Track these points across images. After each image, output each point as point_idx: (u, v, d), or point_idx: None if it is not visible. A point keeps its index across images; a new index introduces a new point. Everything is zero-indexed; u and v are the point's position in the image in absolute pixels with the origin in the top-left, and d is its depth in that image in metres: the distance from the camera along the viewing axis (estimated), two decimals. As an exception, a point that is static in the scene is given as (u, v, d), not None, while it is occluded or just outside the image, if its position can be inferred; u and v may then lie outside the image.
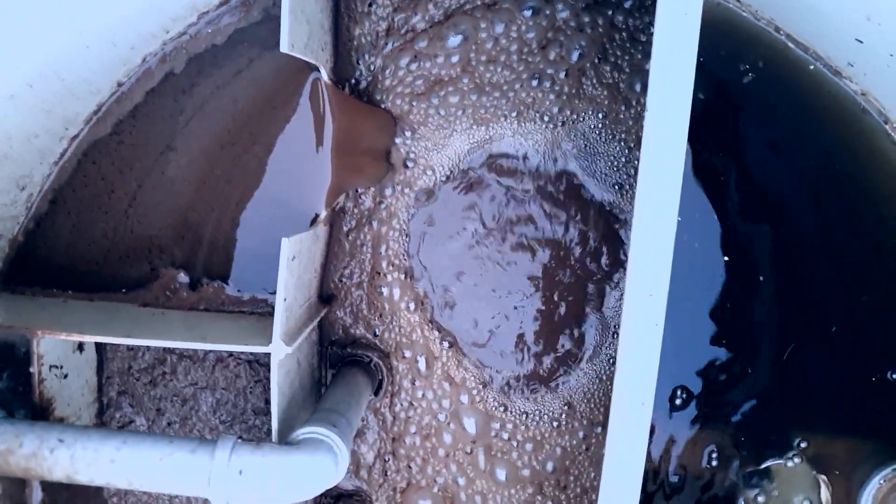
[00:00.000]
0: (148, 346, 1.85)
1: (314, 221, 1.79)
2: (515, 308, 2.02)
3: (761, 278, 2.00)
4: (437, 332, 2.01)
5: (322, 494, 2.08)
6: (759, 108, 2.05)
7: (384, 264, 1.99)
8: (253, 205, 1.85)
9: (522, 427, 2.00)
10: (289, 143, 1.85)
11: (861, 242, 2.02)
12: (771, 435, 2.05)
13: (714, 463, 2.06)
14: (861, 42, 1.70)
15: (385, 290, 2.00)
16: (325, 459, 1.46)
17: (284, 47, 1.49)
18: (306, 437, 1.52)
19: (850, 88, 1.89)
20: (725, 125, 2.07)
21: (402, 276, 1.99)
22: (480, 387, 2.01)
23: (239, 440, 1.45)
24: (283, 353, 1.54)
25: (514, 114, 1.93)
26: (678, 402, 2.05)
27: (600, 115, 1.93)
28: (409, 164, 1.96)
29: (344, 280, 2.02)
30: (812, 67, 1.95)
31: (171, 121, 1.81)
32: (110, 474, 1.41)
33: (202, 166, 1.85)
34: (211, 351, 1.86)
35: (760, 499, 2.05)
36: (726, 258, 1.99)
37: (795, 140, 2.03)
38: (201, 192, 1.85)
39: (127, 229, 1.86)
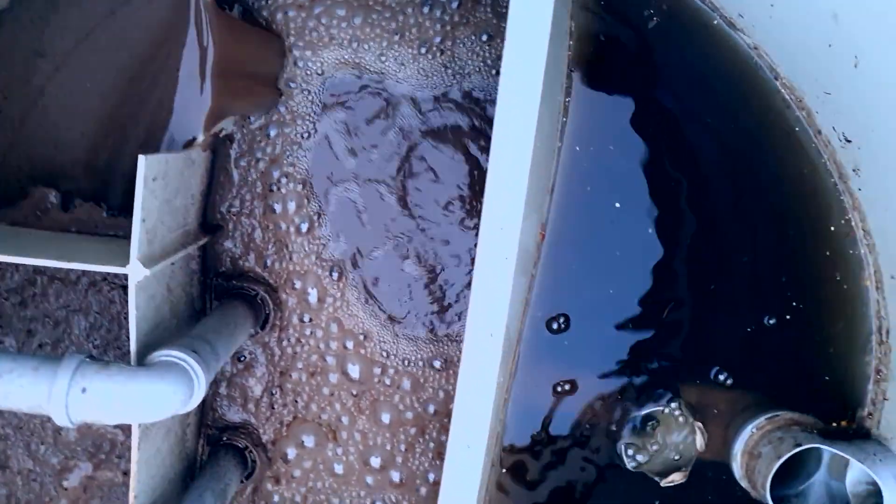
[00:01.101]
0: (17, 266, 1.80)
1: (190, 144, 1.74)
2: (398, 244, 2.01)
3: (650, 230, 2.02)
4: (325, 262, 1.99)
5: (207, 425, 2.09)
6: (664, 56, 2.03)
7: (274, 191, 1.95)
8: (128, 126, 1.78)
9: (405, 372, 2.01)
10: (168, 63, 1.78)
11: (754, 202, 2.04)
12: (653, 385, 2.09)
13: (598, 409, 2.10)
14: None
15: (276, 220, 1.97)
16: (176, 383, 1.45)
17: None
18: (161, 360, 1.50)
19: (744, 42, 1.88)
20: (632, 70, 2.05)
21: (293, 203, 1.96)
22: (365, 332, 2.01)
23: (87, 359, 1.42)
24: (142, 274, 1.51)
25: (397, 37, 1.89)
26: (564, 345, 2.08)
27: (484, 38, 1.91)
28: (296, 88, 1.91)
29: (232, 210, 1.98)
30: (715, 22, 1.94)
31: (41, 29, 1.73)
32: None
33: (77, 83, 1.78)
34: (84, 274, 1.82)
35: (641, 440, 2.10)
36: (617, 204, 1.99)
37: (697, 92, 2.02)
38: (75, 111, 1.78)
39: (-1, 147, 1.80)
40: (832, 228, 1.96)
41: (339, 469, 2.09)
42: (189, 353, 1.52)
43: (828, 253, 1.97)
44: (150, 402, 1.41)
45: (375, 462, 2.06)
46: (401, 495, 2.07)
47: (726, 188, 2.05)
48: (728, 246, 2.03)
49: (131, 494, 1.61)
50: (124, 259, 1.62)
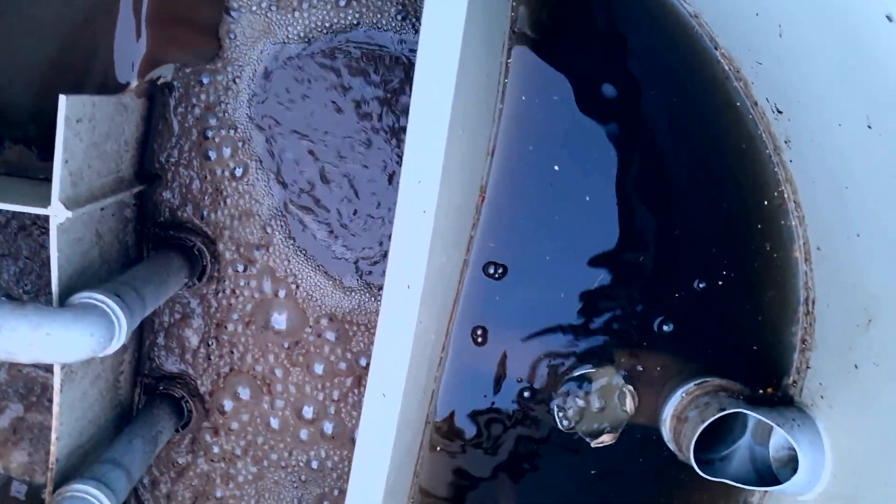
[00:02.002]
0: (-56, 208, 1.79)
1: (122, 89, 1.73)
2: (331, 192, 2.01)
3: (587, 198, 2.03)
4: (259, 209, 1.99)
5: (143, 374, 2.10)
6: (609, 24, 2.03)
7: (209, 138, 1.94)
8: (61, 70, 1.76)
9: (338, 323, 2.03)
10: (103, 8, 1.76)
11: (694, 173, 2.07)
12: (587, 348, 2.13)
13: (533, 371, 2.14)
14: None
15: (212, 167, 1.96)
16: (94, 325, 1.46)
17: None
18: (81, 302, 1.51)
19: (685, 10, 1.88)
20: (577, 37, 2.05)
21: (227, 149, 1.96)
22: (298, 282, 2.02)
23: (3, 298, 1.43)
24: (63, 216, 1.51)
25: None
26: (499, 303, 2.11)
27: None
28: (233, 37, 1.90)
29: (171, 160, 1.97)
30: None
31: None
32: None
33: (9, 27, 1.75)
34: (13, 217, 1.81)
35: (574, 401, 2.14)
36: (556, 167, 2.00)
37: (643, 61, 2.03)
38: (7, 55, 1.76)
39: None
40: (766, 203, 1.99)
41: (274, 423, 2.12)
42: (111, 297, 1.53)
43: (759, 226, 2.00)
44: (65, 342, 1.42)
45: (308, 413, 2.09)
46: (332, 449, 2.11)
47: (668, 159, 2.06)
48: (665, 215, 2.06)
49: (53, 435, 1.62)
50: (49, 201, 1.61)
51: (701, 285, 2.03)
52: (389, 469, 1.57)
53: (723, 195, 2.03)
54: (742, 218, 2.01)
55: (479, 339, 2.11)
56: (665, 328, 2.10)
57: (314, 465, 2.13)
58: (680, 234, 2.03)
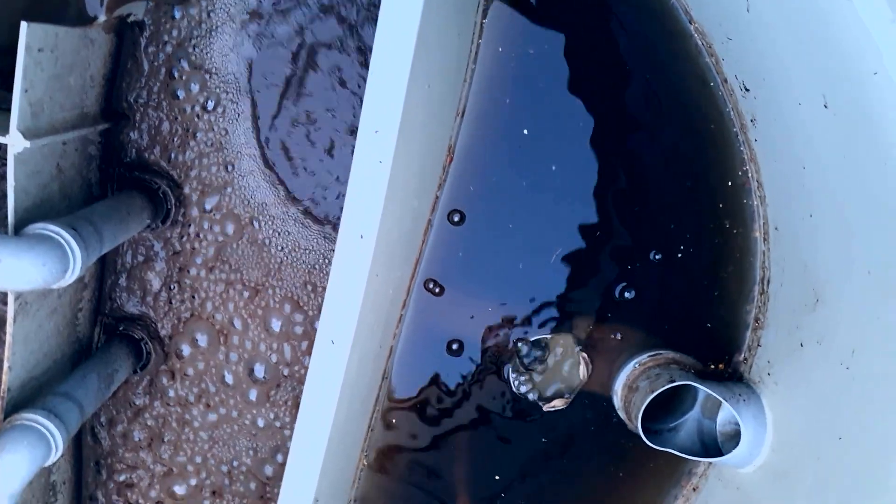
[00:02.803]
0: None
1: (89, 23, 1.72)
2: (297, 129, 2.01)
3: (553, 167, 2.05)
4: (226, 150, 1.99)
5: (104, 314, 2.12)
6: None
7: (176, 77, 1.94)
8: (29, 3, 1.75)
9: (299, 267, 2.06)
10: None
11: (664, 148, 2.09)
12: (543, 315, 2.16)
13: (489, 334, 2.18)
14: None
15: (181, 105, 1.96)
16: (46, 255, 1.47)
17: None
18: (36, 232, 1.52)
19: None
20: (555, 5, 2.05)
21: (195, 86, 1.95)
22: (262, 225, 2.03)
23: (-44, 224, 1.44)
24: (21, 146, 1.51)
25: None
26: (463, 268, 2.13)
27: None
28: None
29: (140, 100, 1.97)
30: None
31: None
32: None
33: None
34: (-26, 147, 1.81)
35: (528, 366, 2.18)
36: (525, 131, 2.02)
37: (619, 32, 2.03)
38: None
39: None
40: (730, 183, 2.02)
41: (228, 378, 2.15)
42: (66, 229, 1.54)
43: (722, 205, 2.03)
44: (16, 270, 1.43)
45: (259, 372, 2.13)
46: (274, 414, 2.15)
47: (639, 133, 2.08)
48: (633, 188, 2.08)
49: (5, 364, 1.64)
50: (6, 131, 1.61)
51: (658, 257, 2.07)
52: (336, 416, 1.61)
53: (689, 172, 2.05)
54: (706, 196, 2.04)
55: (438, 293, 2.13)
56: (627, 294, 2.14)
57: (260, 423, 2.17)
58: (646, 207, 2.06)
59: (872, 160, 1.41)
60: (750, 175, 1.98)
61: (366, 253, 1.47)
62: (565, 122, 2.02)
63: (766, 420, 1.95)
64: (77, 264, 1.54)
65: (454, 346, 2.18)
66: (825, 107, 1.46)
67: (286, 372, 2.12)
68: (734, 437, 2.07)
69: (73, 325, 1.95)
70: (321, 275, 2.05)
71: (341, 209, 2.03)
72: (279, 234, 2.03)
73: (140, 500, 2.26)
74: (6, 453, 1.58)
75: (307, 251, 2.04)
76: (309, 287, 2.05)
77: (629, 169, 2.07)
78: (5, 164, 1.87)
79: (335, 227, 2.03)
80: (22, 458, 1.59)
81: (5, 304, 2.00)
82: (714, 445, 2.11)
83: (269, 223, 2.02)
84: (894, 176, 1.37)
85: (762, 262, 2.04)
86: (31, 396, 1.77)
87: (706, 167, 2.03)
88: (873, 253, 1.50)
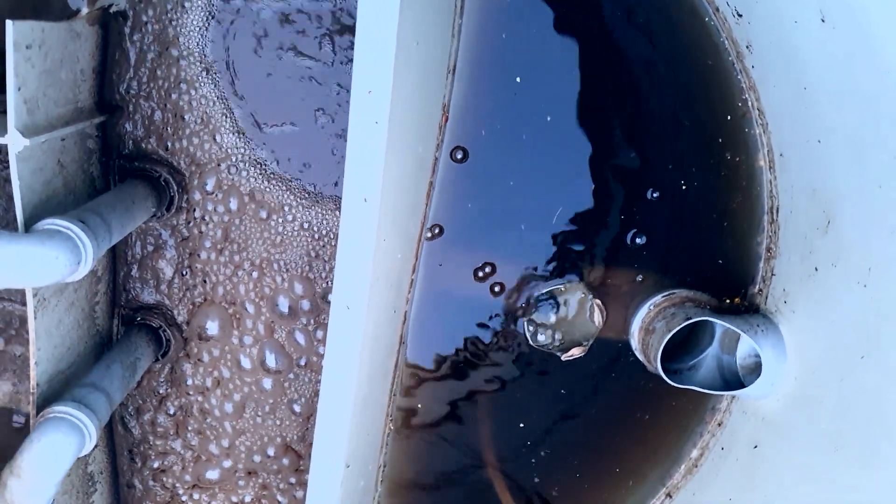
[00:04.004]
0: None
1: (73, 16, 1.73)
2: (297, 105, 2.03)
3: (548, 118, 2.05)
4: (222, 130, 2.02)
5: (120, 306, 2.17)
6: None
7: (164, 62, 1.95)
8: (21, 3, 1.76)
9: (303, 235, 2.09)
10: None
11: (660, 84, 2.08)
12: (555, 265, 2.18)
13: (503, 288, 2.20)
14: None
15: (170, 91, 1.98)
16: (58, 249, 1.50)
17: None
18: (45, 228, 1.55)
19: None
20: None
21: (183, 68, 1.97)
22: (265, 198, 2.06)
23: (-33, 225, 1.47)
24: (21, 144, 1.54)
25: None
26: (472, 223, 2.16)
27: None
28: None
29: (131, 91, 1.98)
30: None
31: None
32: None
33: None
34: (-25, 151, 1.84)
35: (543, 317, 2.22)
36: (518, 78, 2.02)
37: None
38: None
39: None
40: (729, 118, 2.02)
41: (245, 363, 2.20)
42: (75, 223, 1.57)
43: (722, 139, 2.03)
44: (30, 265, 1.47)
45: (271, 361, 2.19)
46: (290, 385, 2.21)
47: (636, 75, 2.08)
48: (635, 128, 2.09)
49: (32, 360, 1.69)
50: (5, 131, 1.63)
51: (657, 195, 2.08)
52: (359, 381, 1.65)
53: (688, 108, 2.05)
54: (708, 128, 2.04)
55: (440, 242, 2.15)
56: (638, 240, 2.16)
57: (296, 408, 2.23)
58: (647, 148, 2.06)
59: (874, 71, 1.40)
60: (750, 104, 1.97)
61: (371, 216, 1.49)
62: (557, 68, 2.02)
63: (786, 349, 1.98)
64: (89, 256, 1.58)
65: (468, 306, 2.21)
66: (822, 21, 1.46)
67: (296, 356, 2.17)
68: (755, 371, 2.10)
69: (91, 319, 2.00)
70: (326, 245, 2.08)
71: (335, 174, 2.06)
72: (281, 205, 2.05)
73: (177, 484, 2.33)
74: (43, 446, 1.64)
75: (308, 221, 2.07)
76: (313, 254, 2.09)
77: (627, 112, 2.07)
78: (7, 168, 1.90)
79: (334, 197, 2.05)
80: (59, 448, 1.65)
81: (23, 304, 2.05)
82: (735, 380, 2.14)
83: (270, 194, 2.05)
84: None
85: (770, 191, 2.05)
86: (59, 390, 1.83)
87: (705, 100, 2.03)
88: (882, 166, 1.50)
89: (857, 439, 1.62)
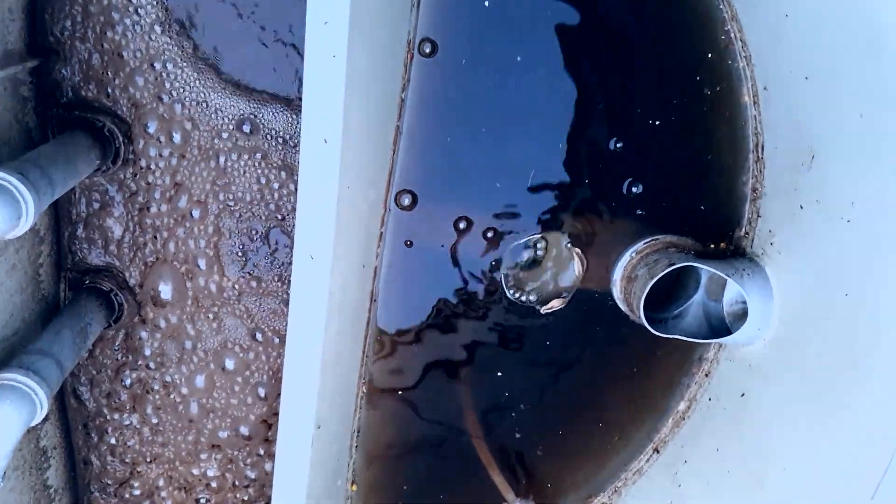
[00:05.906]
0: None
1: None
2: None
3: (519, 58, 2.07)
4: (162, 61, 2.01)
5: (67, 269, 2.17)
6: None
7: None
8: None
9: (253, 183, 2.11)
10: None
11: (640, 20, 2.11)
12: (533, 215, 2.23)
13: (490, 235, 2.24)
14: None
15: (108, 27, 1.95)
16: (-4, 201, 1.51)
17: None
18: (-20, 180, 1.55)
19: None
20: None
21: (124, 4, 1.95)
22: (213, 147, 2.07)
23: None
24: (-54, 88, 1.53)
25: None
26: (449, 175, 2.18)
27: None
28: None
29: (66, 32, 1.96)
30: None
31: None
32: None
33: None
34: None
35: (522, 268, 2.26)
36: (486, 2, 2.03)
37: None
38: None
39: None
40: (710, 55, 2.06)
41: (203, 326, 2.23)
42: (13, 175, 1.57)
43: (703, 75, 2.08)
44: (-36, 218, 1.48)
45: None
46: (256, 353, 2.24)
47: (612, 14, 2.10)
48: (618, 66, 2.12)
49: (-28, 325, 1.70)
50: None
51: (636, 137, 2.12)
52: (326, 334, 1.68)
53: (670, 39, 2.08)
54: (691, 62, 2.08)
55: (410, 206, 2.18)
56: (634, 188, 2.20)
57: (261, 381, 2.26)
58: (631, 86, 2.10)
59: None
60: (733, 35, 2.01)
61: (332, 158, 1.51)
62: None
63: (773, 292, 2.05)
64: (30, 210, 1.58)
65: (442, 261, 2.25)
66: (800, -59, 1.49)
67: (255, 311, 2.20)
68: (742, 317, 2.17)
69: (36, 282, 2.00)
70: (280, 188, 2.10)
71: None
72: (227, 134, 2.06)
73: (137, 459, 2.37)
74: (-10, 415, 1.66)
75: (261, 150, 2.08)
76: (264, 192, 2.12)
77: (606, 52, 2.10)
78: (-67, 117, 1.88)
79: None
80: (7, 418, 1.67)
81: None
82: (722, 327, 2.21)
83: (215, 121, 2.05)
84: (878, 10, 1.42)
85: (754, 128, 2.10)
86: (5, 359, 1.84)
87: (688, 32, 2.06)
88: (863, 95, 1.55)
89: (839, 384, 1.70)
